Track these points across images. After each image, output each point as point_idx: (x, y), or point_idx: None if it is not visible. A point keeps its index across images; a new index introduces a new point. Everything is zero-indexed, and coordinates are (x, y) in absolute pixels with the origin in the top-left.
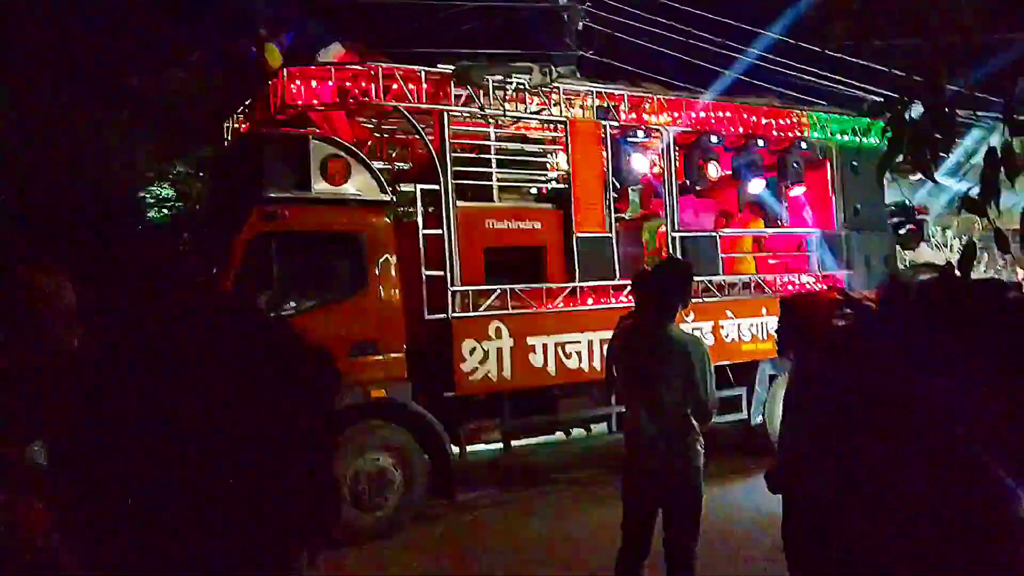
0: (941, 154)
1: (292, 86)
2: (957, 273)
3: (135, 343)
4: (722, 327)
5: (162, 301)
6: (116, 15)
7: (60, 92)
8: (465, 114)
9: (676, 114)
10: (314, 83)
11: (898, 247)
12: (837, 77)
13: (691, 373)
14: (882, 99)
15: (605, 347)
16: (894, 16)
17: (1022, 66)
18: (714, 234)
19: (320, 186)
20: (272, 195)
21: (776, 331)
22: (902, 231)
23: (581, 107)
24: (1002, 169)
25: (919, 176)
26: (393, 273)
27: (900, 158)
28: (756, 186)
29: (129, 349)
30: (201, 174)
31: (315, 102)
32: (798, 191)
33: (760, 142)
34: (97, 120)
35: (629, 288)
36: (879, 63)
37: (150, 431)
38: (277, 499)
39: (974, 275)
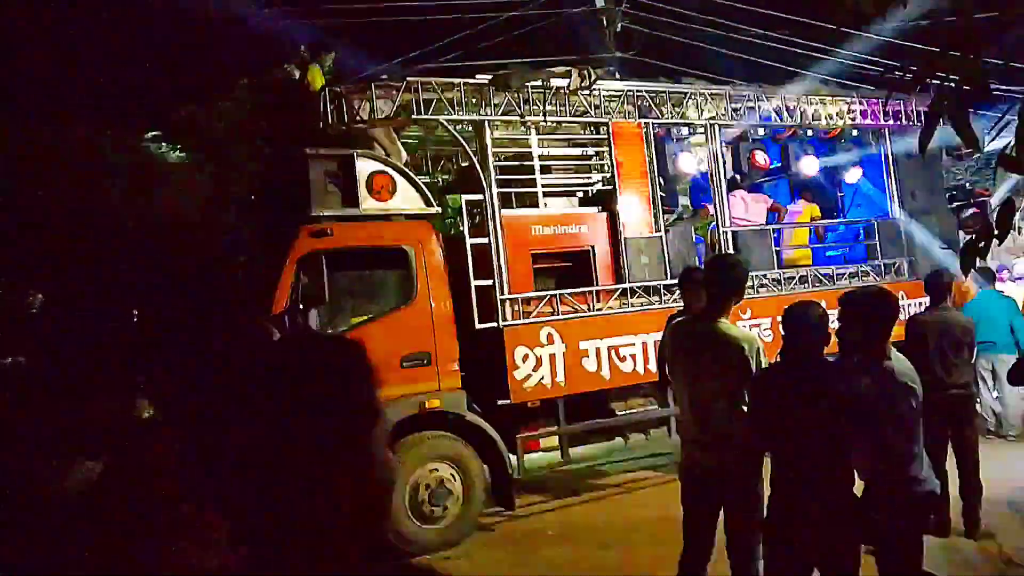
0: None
1: (342, 104)
2: (996, 230)
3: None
4: (780, 323)
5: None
6: (159, 50)
7: (107, 127)
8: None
9: (720, 108)
10: (359, 101)
11: (961, 231)
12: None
13: (745, 369)
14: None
15: (658, 350)
16: None
17: None
18: (767, 227)
19: (367, 202)
20: (320, 213)
21: (839, 331)
22: (964, 214)
23: (622, 107)
24: None
25: (975, 158)
26: (442, 284)
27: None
28: (809, 166)
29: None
30: (252, 198)
31: (363, 118)
32: (852, 178)
33: (809, 132)
34: (148, 154)
35: (679, 284)
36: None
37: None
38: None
39: None
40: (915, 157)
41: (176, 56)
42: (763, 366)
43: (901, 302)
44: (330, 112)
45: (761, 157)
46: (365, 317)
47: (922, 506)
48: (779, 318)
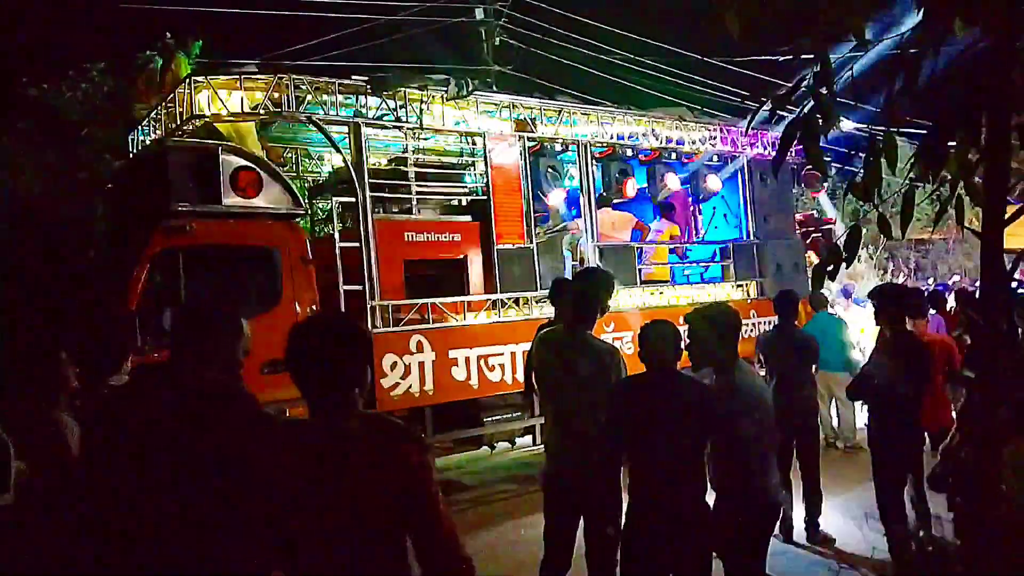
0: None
1: (202, 96)
2: (844, 253)
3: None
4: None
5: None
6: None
7: None
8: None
9: (592, 127)
10: (224, 93)
11: (807, 254)
12: (740, 91)
13: (607, 381)
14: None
15: (525, 359)
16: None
17: (902, 62)
18: (632, 244)
19: (230, 199)
20: (179, 208)
21: (689, 346)
22: (809, 240)
23: (498, 119)
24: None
25: (824, 188)
26: (309, 288)
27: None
28: (673, 182)
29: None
30: (107, 187)
31: (224, 112)
32: (711, 201)
33: (673, 155)
34: None
35: (549, 296)
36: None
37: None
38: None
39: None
40: (769, 185)
41: (29, 33)
42: (623, 376)
43: (753, 319)
44: (195, 102)
45: (631, 186)
46: None
47: (768, 515)
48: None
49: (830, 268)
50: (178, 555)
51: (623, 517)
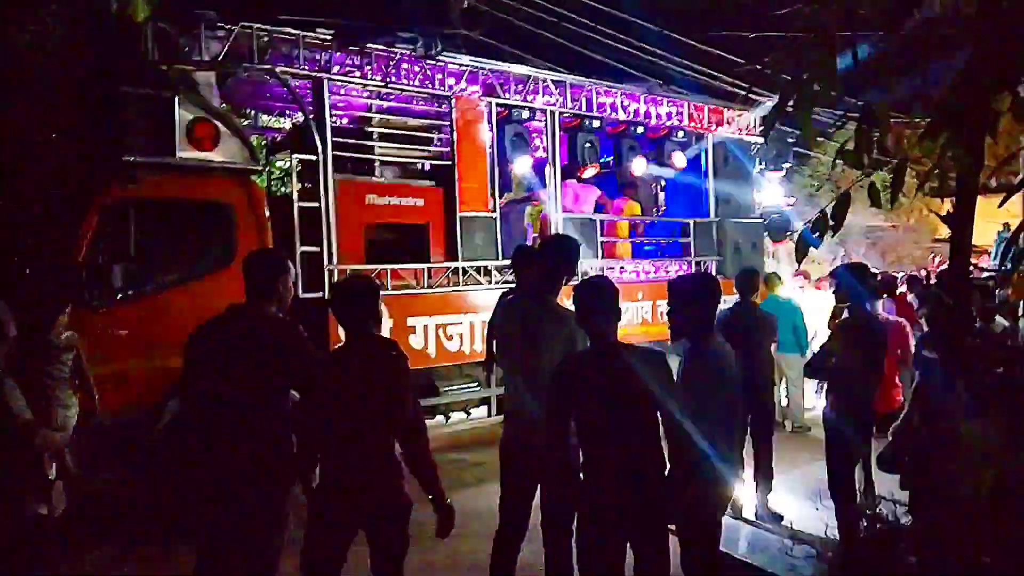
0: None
1: (166, 41)
2: (831, 222)
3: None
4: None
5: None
6: None
7: None
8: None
9: (561, 97)
10: (183, 40)
11: (765, 235)
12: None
13: (572, 349)
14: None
15: (485, 329)
16: None
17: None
18: (594, 218)
19: (186, 151)
20: (131, 159)
21: (670, 314)
22: (768, 220)
23: (466, 84)
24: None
25: (784, 171)
26: (265, 247)
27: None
28: (638, 166)
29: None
30: (54, 136)
31: (189, 60)
32: (673, 176)
33: (639, 129)
34: None
35: (512, 263)
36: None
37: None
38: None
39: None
40: (731, 164)
41: None
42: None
43: None
44: (151, 49)
45: (595, 152)
46: (177, 276)
47: (721, 492)
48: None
49: (816, 235)
50: (248, 414)
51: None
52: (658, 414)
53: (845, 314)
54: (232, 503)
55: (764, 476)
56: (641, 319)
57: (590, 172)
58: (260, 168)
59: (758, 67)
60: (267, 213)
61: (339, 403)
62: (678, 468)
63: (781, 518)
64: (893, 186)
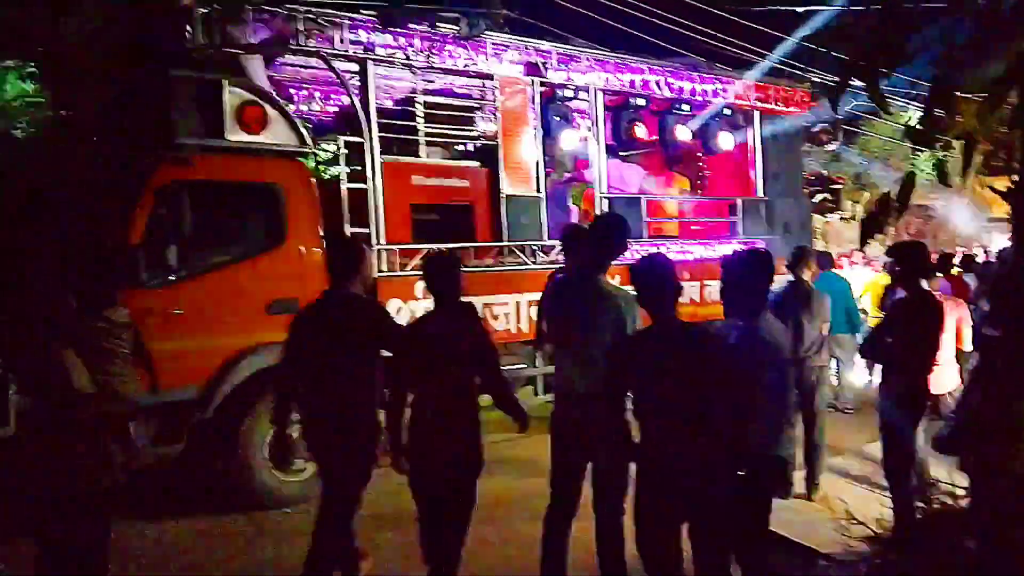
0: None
1: (214, 25)
2: (896, 203)
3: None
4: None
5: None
6: None
7: None
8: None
9: (605, 74)
10: (234, 24)
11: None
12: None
13: (622, 327)
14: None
15: (532, 309)
16: None
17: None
18: (640, 196)
19: (236, 134)
20: (182, 141)
21: (723, 291)
22: (817, 199)
23: (510, 62)
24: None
25: (834, 146)
26: (314, 228)
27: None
28: (682, 139)
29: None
30: (106, 121)
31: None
32: (722, 154)
33: (686, 106)
34: None
35: (561, 242)
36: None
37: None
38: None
39: None
40: (780, 141)
41: None
42: (639, 326)
43: None
44: (199, 32)
45: (641, 130)
46: (229, 257)
47: (777, 471)
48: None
49: (881, 219)
50: (344, 376)
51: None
52: (718, 393)
53: (900, 293)
54: (334, 447)
55: (814, 455)
56: (689, 299)
57: (641, 131)
58: (309, 151)
59: (808, 44)
60: (316, 195)
61: (429, 358)
62: (737, 446)
63: (828, 499)
64: (964, 164)
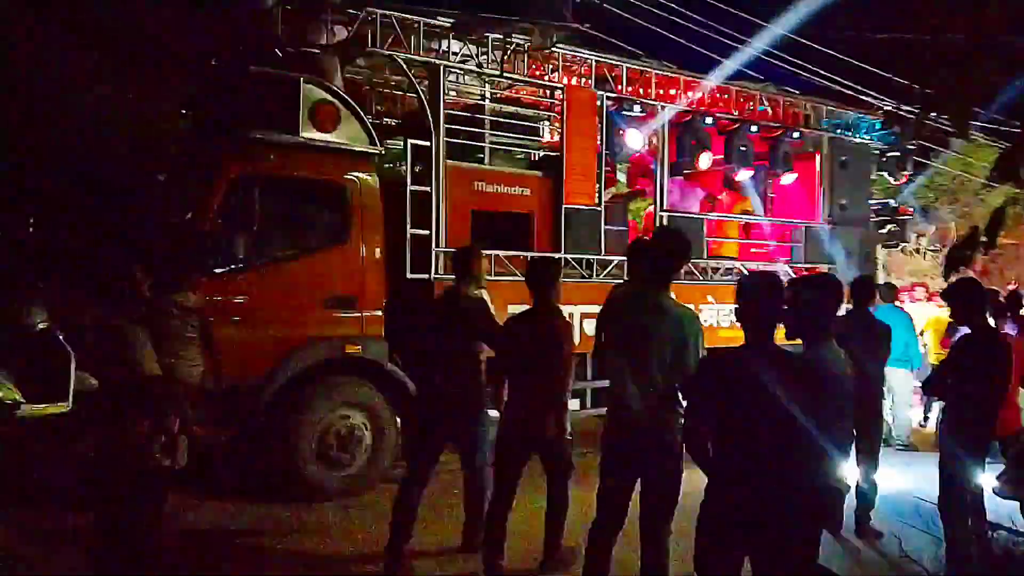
0: None
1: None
2: (983, 238)
3: None
4: (701, 311)
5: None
6: None
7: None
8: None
9: (673, 92)
10: (314, 24)
11: (879, 246)
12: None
13: (683, 345)
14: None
15: (587, 321)
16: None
17: None
18: (701, 216)
19: (309, 132)
20: (258, 136)
21: (787, 312)
22: (883, 230)
23: (579, 76)
24: None
25: (904, 176)
26: (377, 228)
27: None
28: (743, 175)
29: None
30: (184, 113)
31: (316, 43)
32: (787, 180)
33: (753, 128)
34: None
35: (626, 256)
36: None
37: None
38: None
39: None
40: (849, 169)
41: None
42: (701, 345)
43: None
44: (280, 32)
45: (705, 158)
46: (292, 251)
47: (833, 504)
48: (700, 306)
49: (968, 253)
50: (455, 358)
51: (703, 493)
52: (795, 422)
53: (964, 330)
54: (446, 417)
55: (866, 490)
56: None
57: (707, 161)
58: (378, 151)
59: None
60: (380, 196)
61: (522, 349)
62: (791, 477)
63: (880, 536)
64: None
